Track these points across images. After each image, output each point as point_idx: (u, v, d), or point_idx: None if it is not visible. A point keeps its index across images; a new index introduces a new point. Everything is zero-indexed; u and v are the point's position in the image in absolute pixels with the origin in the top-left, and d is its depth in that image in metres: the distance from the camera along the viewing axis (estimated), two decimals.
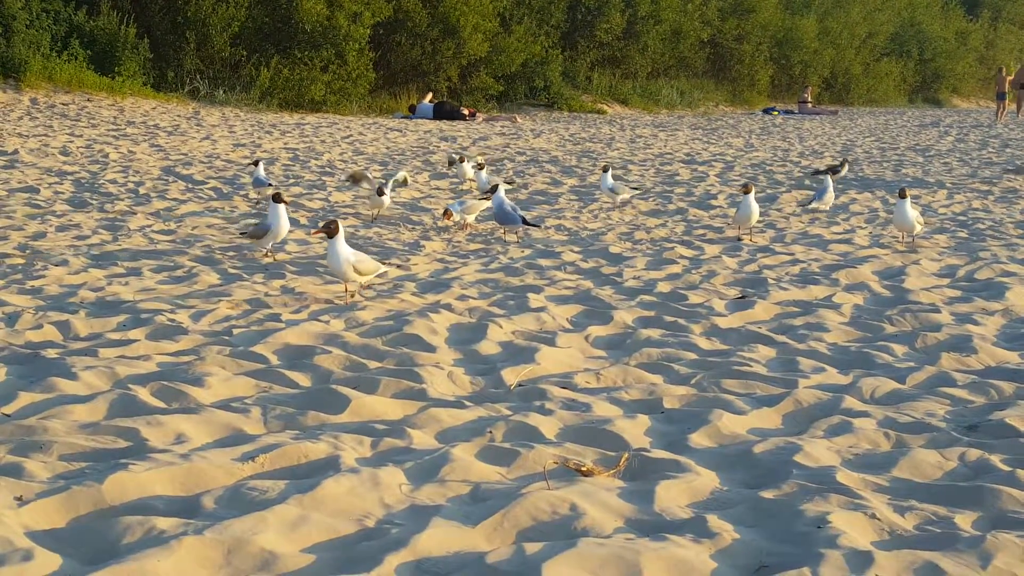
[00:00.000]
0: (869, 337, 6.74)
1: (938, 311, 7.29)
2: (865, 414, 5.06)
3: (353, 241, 9.89)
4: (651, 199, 13.65)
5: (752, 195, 10.38)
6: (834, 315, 7.22)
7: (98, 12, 25.01)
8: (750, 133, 27.78)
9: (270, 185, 12.68)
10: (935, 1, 58.84)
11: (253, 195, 12.48)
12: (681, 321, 6.98)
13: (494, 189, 10.05)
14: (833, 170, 15.36)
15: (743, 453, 4.54)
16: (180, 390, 5.16)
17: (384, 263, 7.97)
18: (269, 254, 8.93)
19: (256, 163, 12.33)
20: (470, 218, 10.69)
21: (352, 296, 7.40)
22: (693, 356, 6.16)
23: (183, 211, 11.43)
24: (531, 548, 3.54)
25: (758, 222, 10.96)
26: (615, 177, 13.83)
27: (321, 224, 8.04)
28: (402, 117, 28.37)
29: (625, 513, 3.90)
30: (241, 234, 9.54)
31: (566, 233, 10.82)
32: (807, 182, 15.87)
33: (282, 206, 8.63)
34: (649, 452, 4.50)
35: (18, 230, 9.75)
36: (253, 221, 10.73)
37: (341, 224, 7.34)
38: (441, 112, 28.29)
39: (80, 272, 8.10)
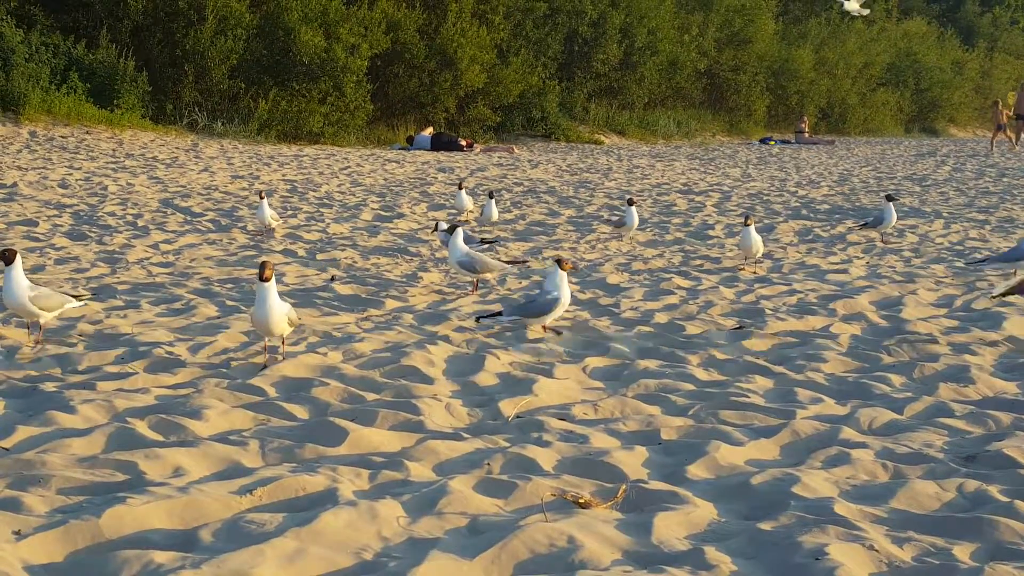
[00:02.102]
0: (867, 368, 6.74)
1: (936, 341, 7.30)
2: (863, 445, 5.07)
3: (352, 272, 9.92)
4: (648, 229, 13.68)
5: (752, 227, 10.40)
6: (832, 345, 7.23)
7: (97, 45, 25.14)
8: (747, 163, 27.86)
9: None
10: (931, 31, 59.16)
11: (251, 227, 12.48)
12: (679, 352, 6.99)
13: (451, 230, 8.87)
14: None
15: (741, 484, 4.54)
16: (178, 423, 5.16)
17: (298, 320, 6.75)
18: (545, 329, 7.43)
19: (261, 196, 12.28)
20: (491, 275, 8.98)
21: (281, 350, 6.58)
22: (691, 387, 6.17)
23: (181, 243, 11.45)
24: None
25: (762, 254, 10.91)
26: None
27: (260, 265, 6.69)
28: (400, 148, 28.46)
29: (623, 545, 3.89)
30: (519, 308, 7.53)
31: None
32: None
33: (564, 274, 7.28)
34: (647, 484, 4.50)
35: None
36: (251, 254, 10.73)
37: (272, 267, 6.32)
38: (439, 143, 28.40)
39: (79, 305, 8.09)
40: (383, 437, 5.11)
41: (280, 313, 6.29)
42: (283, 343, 6.64)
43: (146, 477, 4.43)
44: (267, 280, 6.21)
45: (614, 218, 13.08)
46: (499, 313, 7.46)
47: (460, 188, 14.12)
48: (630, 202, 12.51)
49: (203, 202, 14.97)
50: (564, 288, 7.20)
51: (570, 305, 8.54)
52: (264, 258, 6.44)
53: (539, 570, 3.68)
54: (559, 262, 7.26)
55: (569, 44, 36.62)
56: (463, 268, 8.75)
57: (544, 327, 7.38)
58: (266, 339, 6.54)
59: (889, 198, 12.78)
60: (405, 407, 5.54)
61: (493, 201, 13.35)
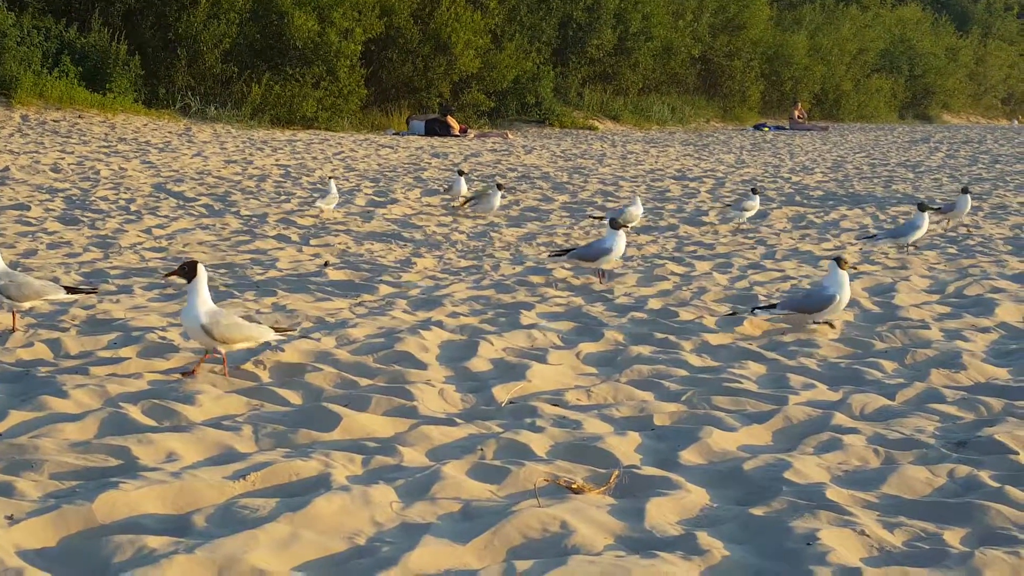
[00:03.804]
0: (859, 353, 6.76)
1: (928, 327, 7.32)
2: (855, 431, 5.08)
3: (345, 257, 9.90)
4: (642, 216, 13.66)
5: (927, 214, 10.48)
6: (824, 331, 7.24)
7: (89, 29, 25.02)
8: (741, 149, 27.85)
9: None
10: (925, 18, 59.09)
11: (324, 210, 12.62)
12: (672, 338, 7.00)
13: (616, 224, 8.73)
14: None
15: (733, 470, 4.55)
16: (171, 408, 5.16)
17: (276, 328, 6.04)
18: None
19: (330, 178, 12.49)
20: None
21: (224, 366, 5.84)
22: (684, 373, 6.18)
23: (174, 228, 11.42)
24: (522, 566, 3.55)
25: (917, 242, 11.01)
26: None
27: (177, 266, 6.20)
28: (394, 134, 28.36)
29: (615, 530, 3.90)
30: (794, 303, 7.28)
31: (557, 250, 10.83)
32: None
33: (844, 273, 7.13)
34: (639, 469, 4.51)
35: (9, 247, 9.74)
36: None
37: (203, 268, 5.73)
38: (432, 128, 28.32)
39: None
40: (376, 422, 5.11)
41: (194, 318, 5.61)
42: (224, 362, 5.85)
43: (139, 462, 4.43)
44: (189, 280, 5.66)
45: (733, 206, 12.97)
46: (774, 306, 7.35)
47: (460, 175, 14.05)
48: (754, 191, 12.97)
49: (196, 187, 14.93)
50: (844, 286, 7.13)
51: (563, 291, 8.55)
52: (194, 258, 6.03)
53: (532, 555, 3.69)
54: (838, 261, 7.18)
55: (563, 29, 36.51)
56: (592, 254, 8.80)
57: (819, 321, 7.32)
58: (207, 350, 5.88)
59: (965, 190, 12.60)
60: (398, 392, 5.55)
61: (499, 193, 13.17)
